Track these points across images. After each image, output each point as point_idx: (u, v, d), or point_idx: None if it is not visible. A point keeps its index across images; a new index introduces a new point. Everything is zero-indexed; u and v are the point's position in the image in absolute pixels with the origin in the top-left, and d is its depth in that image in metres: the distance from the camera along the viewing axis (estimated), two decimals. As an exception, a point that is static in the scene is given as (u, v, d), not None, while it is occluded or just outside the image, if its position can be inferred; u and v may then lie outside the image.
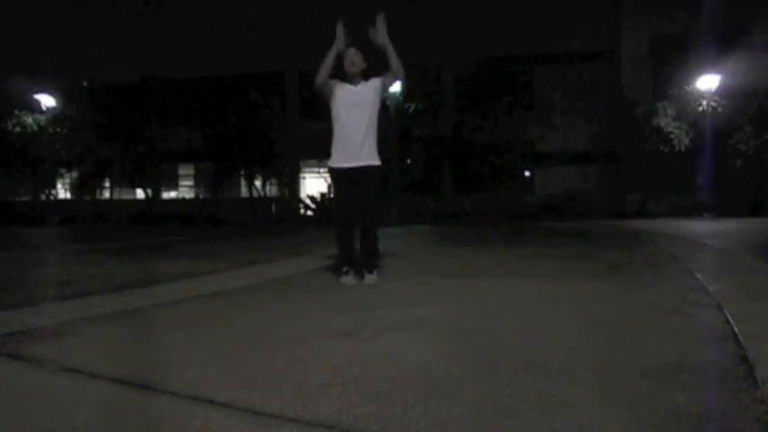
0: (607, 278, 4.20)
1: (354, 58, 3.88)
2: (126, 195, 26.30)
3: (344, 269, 3.96)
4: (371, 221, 3.95)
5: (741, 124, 18.50)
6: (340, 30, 3.84)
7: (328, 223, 14.00)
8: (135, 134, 21.68)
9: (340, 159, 3.90)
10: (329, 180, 3.86)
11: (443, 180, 21.83)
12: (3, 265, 5.62)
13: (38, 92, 22.05)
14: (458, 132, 21.13)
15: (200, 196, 26.03)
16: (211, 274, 4.43)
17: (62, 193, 26.42)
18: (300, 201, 21.12)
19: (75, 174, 24.60)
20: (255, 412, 1.50)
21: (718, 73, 18.55)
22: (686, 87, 19.29)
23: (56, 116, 21.90)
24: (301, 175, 25.92)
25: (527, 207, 20.93)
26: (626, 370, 1.82)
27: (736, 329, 2.31)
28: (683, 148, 19.13)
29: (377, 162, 3.91)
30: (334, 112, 3.94)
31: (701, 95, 18.77)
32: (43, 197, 24.00)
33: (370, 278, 3.90)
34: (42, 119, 21.84)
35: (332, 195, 3.99)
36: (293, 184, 25.42)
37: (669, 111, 19.31)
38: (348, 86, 3.92)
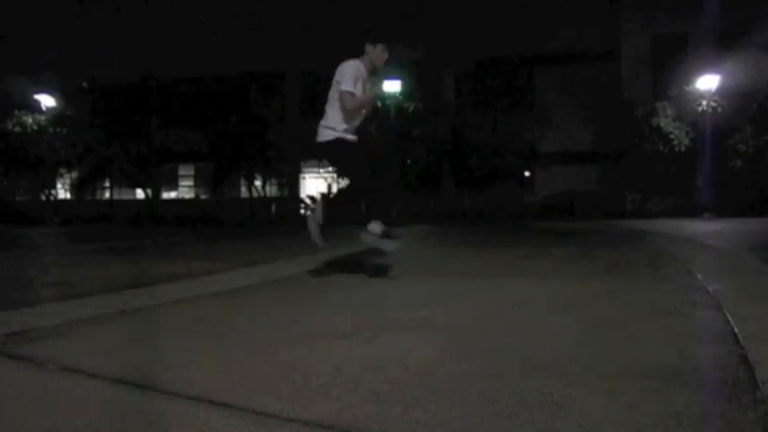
0: (607, 278, 4.20)
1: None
2: (126, 195, 26.30)
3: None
4: None
5: (741, 124, 18.49)
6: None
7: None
8: (135, 134, 21.68)
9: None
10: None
11: (443, 180, 21.82)
12: (3, 265, 5.62)
13: (38, 92, 22.03)
14: (458, 132, 21.12)
15: (201, 196, 26.03)
16: (211, 274, 4.42)
17: (62, 193, 26.41)
18: (300, 201, 21.12)
19: (75, 174, 24.60)
20: (255, 412, 1.50)
21: (718, 73, 18.54)
22: (686, 87, 19.28)
23: (56, 116, 21.89)
24: (301, 175, 25.92)
25: (527, 207, 20.94)
26: (626, 370, 1.82)
27: (736, 330, 2.31)
28: (682, 149, 19.13)
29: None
30: None
31: (701, 95, 18.76)
32: (43, 197, 23.98)
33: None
34: (42, 119, 21.83)
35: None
36: (293, 184, 25.41)
37: (669, 111, 19.31)
38: None
